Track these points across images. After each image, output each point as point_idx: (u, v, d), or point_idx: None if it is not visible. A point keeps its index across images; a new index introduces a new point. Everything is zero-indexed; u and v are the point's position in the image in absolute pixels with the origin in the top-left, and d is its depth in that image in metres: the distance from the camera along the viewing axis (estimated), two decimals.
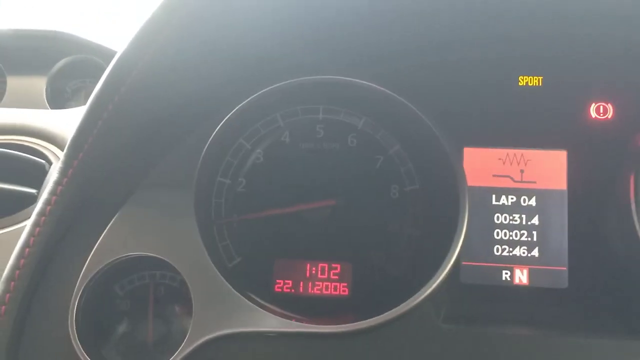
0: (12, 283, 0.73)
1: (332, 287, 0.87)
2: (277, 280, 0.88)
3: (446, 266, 0.75)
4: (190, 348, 0.71)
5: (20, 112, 1.18)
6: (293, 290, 0.87)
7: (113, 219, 0.79)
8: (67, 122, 1.12)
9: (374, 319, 0.72)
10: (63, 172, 0.75)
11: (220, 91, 0.86)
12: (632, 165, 0.80)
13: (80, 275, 0.75)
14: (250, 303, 0.75)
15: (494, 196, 0.88)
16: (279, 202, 0.89)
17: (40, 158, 1.03)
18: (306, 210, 0.89)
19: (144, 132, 0.82)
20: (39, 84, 1.48)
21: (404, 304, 0.73)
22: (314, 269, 0.88)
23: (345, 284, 0.87)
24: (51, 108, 1.44)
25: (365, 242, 0.88)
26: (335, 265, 0.88)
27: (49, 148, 1.08)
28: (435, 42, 0.90)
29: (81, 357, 0.71)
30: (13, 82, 1.47)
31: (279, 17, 0.83)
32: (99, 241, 0.77)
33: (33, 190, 0.95)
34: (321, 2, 0.82)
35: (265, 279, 0.88)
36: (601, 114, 0.89)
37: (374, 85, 0.84)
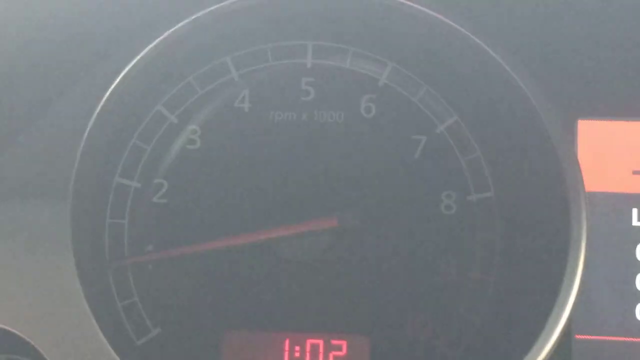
0: None
1: None
2: None
3: (546, 344, 0.73)
4: None
5: None
6: None
7: None
8: None
9: None
10: None
11: (127, 14, 0.85)
12: None
13: None
14: None
15: (635, 211, 0.86)
16: (230, 225, 0.88)
17: None
18: (281, 240, 0.87)
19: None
20: None
21: None
22: (297, 348, 0.87)
23: None
24: None
25: (393, 301, 0.87)
26: (338, 342, 0.87)
27: None
28: None
29: None
30: None
31: None
32: None
33: None
34: None
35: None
36: None
37: (413, 4, 0.82)
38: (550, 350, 0.74)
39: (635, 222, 0.86)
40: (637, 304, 0.85)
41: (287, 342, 0.86)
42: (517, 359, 0.74)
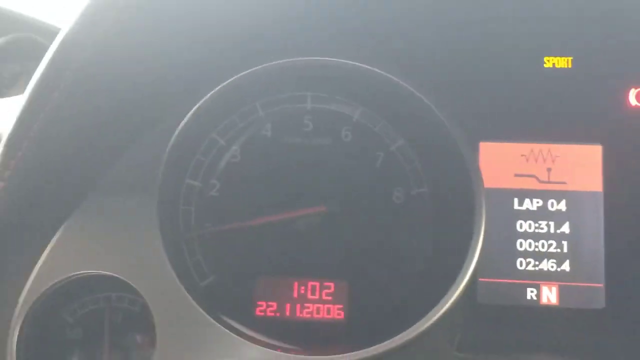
0: None
1: (325, 309, 0.88)
2: (259, 302, 0.88)
3: (460, 284, 0.75)
4: None
5: None
6: (278, 314, 0.88)
7: (59, 231, 0.79)
8: (3, 114, 1.12)
9: (374, 347, 0.72)
10: None
11: (189, 76, 0.86)
12: None
13: (20, 301, 0.75)
14: (227, 330, 0.75)
15: (516, 200, 0.89)
16: (260, 209, 0.89)
17: None
18: (293, 219, 0.89)
19: (95, 126, 0.81)
20: None
21: (410, 329, 0.73)
22: (302, 288, 0.88)
23: (340, 306, 0.88)
24: None
25: (363, 257, 0.89)
26: (328, 283, 0.88)
27: None
28: (447, 18, 0.90)
29: None
30: None
31: None
32: (42, 258, 0.77)
33: None
34: None
35: (245, 300, 0.88)
36: None
37: (374, 69, 0.84)
38: (464, 287, 0.74)
39: (515, 207, 0.88)
40: (517, 258, 0.87)
41: (295, 284, 0.87)
42: (445, 292, 0.75)
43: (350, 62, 0.85)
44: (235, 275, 0.88)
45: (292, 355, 0.74)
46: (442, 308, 0.74)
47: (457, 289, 0.75)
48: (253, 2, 0.85)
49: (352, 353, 0.72)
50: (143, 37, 0.78)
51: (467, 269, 0.76)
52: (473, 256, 0.77)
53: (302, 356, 0.74)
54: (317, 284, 0.88)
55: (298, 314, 0.87)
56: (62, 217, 0.79)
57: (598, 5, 0.88)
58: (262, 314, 0.87)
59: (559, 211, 0.88)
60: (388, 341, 0.72)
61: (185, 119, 0.83)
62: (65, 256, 0.77)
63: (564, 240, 0.87)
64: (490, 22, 0.90)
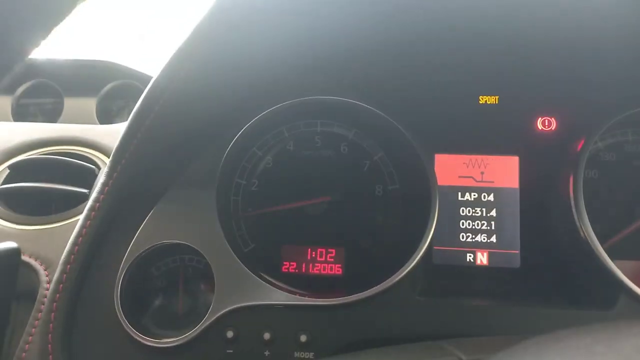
0: (68, 266, 0.73)
1: (329, 267, 0.87)
2: (284, 262, 0.87)
3: (420, 250, 0.75)
4: (213, 318, 0.71)
5: (75, 127, 1.18)
6: (297, 271, 0.87)
7: (150, 213, 0.79)
8: (113, 135, 1.12)
9: (360, 293, 0.72)
10: (109, 174, 0.75)
11: (238, 109, 0.86)
12: (570, 168, 0.79)
13: (124, 259, 0.75)
14: (262, 281, 0.75)
15: (459, 193, 0.88)
16: (285, 199, 0.89)
17: (91, 164, 1.03)
18: (307, 205, 0.89)
19: (175, 141, 0.82)
20: (90, 104, 1.48)
21: (385, 281, 0.73)
22: (314, 253, 0.88)
23: (340, 265, 0.87)
24: (100, 124, 1.44)
25: (355, 231, 0.88)
26: (331, 250, 0.87)
27: (98, 156, 1.07)
28: (411, 68, 0.90)
29: (124, 325, 0.71)
30: (69, 103, 1.47)
31: (286, 50, 0.83)
32: (138, 231, 0.77)
33: (85, 190, 0.95)
34: (316, 40, 0.82)
35: (274, 261, 0.87)
36: (546, 126, 0.88)
37: (360, 103, 0.84)
38: (424, 252, 0.74)
39: (459, 198, 0.87)
40: (460, 233, 0.86)
41: (309, 250, 0.87)
42: (410, 256, 0.75)
43: (345, 99, 0.84)
44: (268, 244, 0.88)
45: (306, 298, 0.74)
46: (407, 268, 0.74)
47: (417, 254, 0.75)
48: (279, 59, 0.84)
49: (345, 297, 0.72)
50: (207, 83, 0.79)
51: (425, 240, 0.76)
52: (429, 231, 0.77)
53: (313, 299, 0.74)
54: (323, 250, 0.88)
55: (311, 270, 0.87)
56: (152, 203, 0.79)
57: (516, 61, 0.88)
58: (286, 270, 0.87)
59: (489, 201, 0.87)
60: (370, 289, 0.73)
61: (236, 138, 0.83)
62: (154, 230, 0.78)
63: (492, 221, 0.87)
64: (442, 71, 0.90)
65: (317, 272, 0.87)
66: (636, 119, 0.84)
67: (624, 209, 0.86)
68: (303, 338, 0.71)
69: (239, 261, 0.76)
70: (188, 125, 0.82)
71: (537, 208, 0.85)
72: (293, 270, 0.87)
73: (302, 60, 0.86)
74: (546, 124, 0.88)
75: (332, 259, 0.87)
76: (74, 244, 0.73)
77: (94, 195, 0.75)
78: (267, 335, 0.71)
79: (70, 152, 1.07)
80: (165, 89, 0.72)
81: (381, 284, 0.73)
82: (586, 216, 0.75)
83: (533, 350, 0.32)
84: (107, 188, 0.75)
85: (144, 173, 0.78)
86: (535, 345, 0.32)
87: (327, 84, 0.87)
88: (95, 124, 1.43)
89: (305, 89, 0.86)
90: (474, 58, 0.88)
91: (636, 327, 0.29)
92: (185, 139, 0.82)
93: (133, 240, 0.76)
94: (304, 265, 0.87)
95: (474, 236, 0.86)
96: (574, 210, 0.76)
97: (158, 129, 0.75)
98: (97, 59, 1.48)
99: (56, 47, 1.49)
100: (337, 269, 0.87)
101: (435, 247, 0.86)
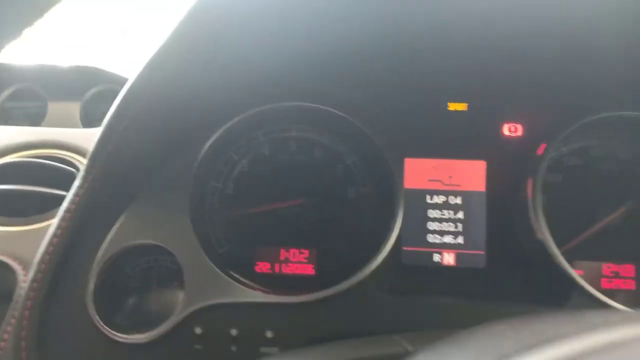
0: (43, 265, 0.74)
1: (302, 267, 0.89)
2: (258, 263, 0.89)
3: (384, 250, 0.77)
4: (182, 315, 0.73)
5: (57, 131, 1.18)
6: (271, 271, 0.88)
7: (124, 214, 0.80)
8: (95, 139, 1.12)
9: (325, 290, 0.75)
10: (84, 177, 0.76)
11: (214, 113, 0.87)
12: (531, 172, 0.82)
13: (97, 259, 0.77)
14: (231, 280, 0.77)
15: (428, 196, 0.90)
16: (260, 202, 0.90)
17: (73, 167, 1.03)
18: (281, 208, 0.90)
19: (149, 146, 0.83)
20: (74, 109, 1.49)
21: (349, 280, 0.75)
22: (287, 253, 0.89)
23: (312, 266, 0.89)
24: (84, 127, 1.45)
25: (327, 232, 0.90)
26: (304, 250, 0.89)
27: (80, 160, 1.08)
28: (382, 74, 0.91)
29: (96, 322, 0.73)
30: (53, 107, 1.49)
31: (262, 55, 0.84)
32: (112, 232, 0.79)
33: (64, 193, 0.95)
34: (291, 46, 0.84)
35: (249, 262, 0.89)
36: (513, 132, 0.91)
37: (333, 110, 0.86)
38: (389, 252, 0.77)
39: (427, 201, 0.88)
40: (428, 234, 0.87)
41: (282, 251, 0.89)
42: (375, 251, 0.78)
43: (318, 105, 0.86)
44: (242, 245, 0.89)
45: (271, 295, 0.76)
46: (372, 266, 0.76)
47: (381, 253, 0.77)
48: (255, 64, 0.86)
49: (313, 294, 0.74)
50: (183, 86, 0.80)
51: (390, 240, 0.79)
52: (393, 232, 0.80)
53: (278, 296, 0.76)
54: (296, 250, 0.89)
55: (284, 270, 0.89)
56: (125, 205, 0.81)
57: (483, 68, 0.90)
58: (260, 271, 0.89)
59: (456, 204, 0.89)
60: (335, 287, 0.75)
61: (210, 141, 0.84)
62: (127, 231, 0.79)
63: (459, 222, 0.88)
64: (412, 78, 0.92)
65: (290, 272, 0.88)
66: (600, 124, 0.87)
67: (587, 212, 0.89)
68: (269, 334, 0.72)
69: (209, 261, 0.77)
70: (163, 128, 0.83)
71: (502, 211, 0.87)
72: (267, 271, 0.88)
73: (278, 66, 0.88)
74: (512, 129, 0.90)
75: (305, 260, 0.89)
76: (49, 244, 0.74)
77: (69, 197, 0.76)
78: (234, 332, 0.72)
79: (52, 156, 1.08)
80: (140, 93, 0.73)
81: (344, 282, 0.75)
82: (542, 218, 0.77)
83: (463, 338, 0.34)
84: (81, 190, 0.76)
85: (118, 175, 0.80)
86: (467, 333, 0.35)
87: (303, 90, 0.89)
88: (78, 127, 1.44)
89: (281, 94, 0.88)
90: (443, 65, 0.89)
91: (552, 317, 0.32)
92: (160, 142, 0.84)
93: (106, 241, 0.78)
94: (277, 266, 0.89)
95: (441, 237, 0.88)
96: (531, 212, 0.78)
97: (133, 132, 0.76)
98: (81, 64, 1.50)
99: (39, 47, 1.50)
100: (309, 270, 0.89)
101: (404, 248, 0.87)
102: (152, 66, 0.72)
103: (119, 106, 0.74)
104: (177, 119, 0.84)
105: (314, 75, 0.90)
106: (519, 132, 0.90)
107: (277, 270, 0.89)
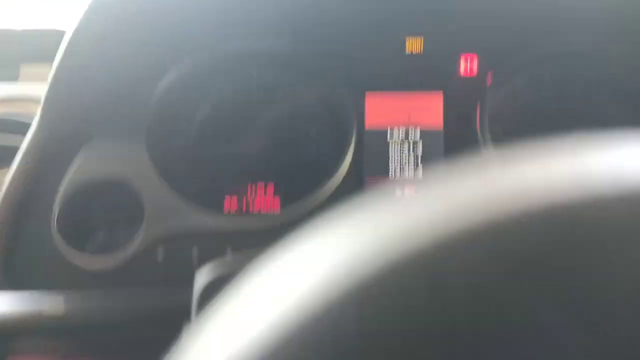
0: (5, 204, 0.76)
1: (269, 201, 0.90)
2: (226, 197, 0.90)
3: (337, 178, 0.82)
4: (144, 242, 0.77)
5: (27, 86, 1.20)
6: (237, 206, 0.89)
7: (82, 151, 0.81)
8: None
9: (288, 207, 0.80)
10: (40, 121, 0.77)
11: (171, 54, 0.86)
12: (482, 102, 0.83)
13: (59, 195, 0.78)
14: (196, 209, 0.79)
15: (389, 132, 0.90)
16: (223, 142, 0.91)
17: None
18: (245, 145, 0.92)
19: (105, 85, 0.82)
20: (46, 70, 1.48)
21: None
22: (253, 187, 0.91)
23: (278, 198, 0.91)
24: None
25: (291, 167, 0.92)
26: (270, 184, 0.91)
27: None
28: (339, 10, 0.90)
29: (63, 253, 0.75)
30: (25, 69, 1.48)
31: None
32: (72, 167, 0.80)
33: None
34: None
35: (215, 199, 0.89)
36: (469, 64, 0.90)
37: (292, 47, 0.88)
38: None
39: (388, 139, 0.89)
40: (389, 169, 0.88)
41: (248, 186, 0.90)
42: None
43: (277, 43, 0.87)
44: (207, 183, 0.90)
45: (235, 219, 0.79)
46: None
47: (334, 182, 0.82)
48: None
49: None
50: (137, 29, 0.81)
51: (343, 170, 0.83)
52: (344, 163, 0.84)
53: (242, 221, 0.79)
54: (263, 184, 0.91)
55: (251, 206, 0.90)
56: (83, 142, 0.82)
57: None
58: (228, 206, 0.89)
59: (415, 141, 0.90)
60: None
61: (166, 81, 0.85)
62: (87, 167, 0.80)
63: (419, 159, 0.90)
64: (369, 14, 0.91)
65: (258, 206, 0.90)
66: (549, 56, 0.87)
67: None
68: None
69: (172, 192, 0.79)
70: (118, 71, 0.83)
71: (457, 145, 0.88)
72: (235, 207, 0.89)
73: (236, 5, 0.87)
74: (469, 61, 0.91)
75: (270, 195, 0.90)
76: (10, 182, 0.76)
77: (26, 139, 0.77)
78: (195, 252, 0.75)
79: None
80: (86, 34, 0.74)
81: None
82: (490, 145, 0.78)
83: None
84: (38, 133, 0.77)
85: (73, 117, 0.80)
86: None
87: (263, 28, 0.89)
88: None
89: (241, 33, 0.87)
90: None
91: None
92: (116, 84, 0.83)
93: (67, 177, 0.79)
94: (244, 200, 0.90)
95: (401, 172, 0.89)
96: (480, 141, 0.79)
97: (84, 76, 0.77)
98: (53, 28, 1.48)
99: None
100: (276, 205, 0.90)
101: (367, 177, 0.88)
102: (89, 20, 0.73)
103: (67, 46, 0.74)
104: (132, 62, 0.83)
105: (271, 12, 0.90)
106: (475, 65, 0.90)
107: (244, 203, 0.90)
